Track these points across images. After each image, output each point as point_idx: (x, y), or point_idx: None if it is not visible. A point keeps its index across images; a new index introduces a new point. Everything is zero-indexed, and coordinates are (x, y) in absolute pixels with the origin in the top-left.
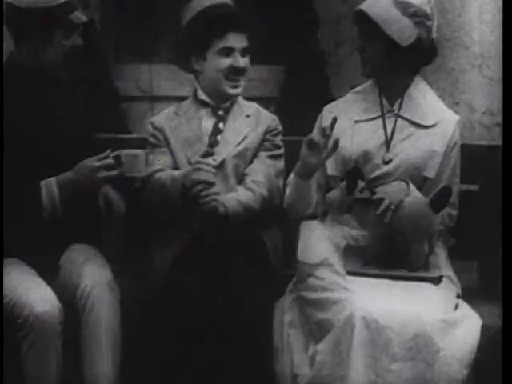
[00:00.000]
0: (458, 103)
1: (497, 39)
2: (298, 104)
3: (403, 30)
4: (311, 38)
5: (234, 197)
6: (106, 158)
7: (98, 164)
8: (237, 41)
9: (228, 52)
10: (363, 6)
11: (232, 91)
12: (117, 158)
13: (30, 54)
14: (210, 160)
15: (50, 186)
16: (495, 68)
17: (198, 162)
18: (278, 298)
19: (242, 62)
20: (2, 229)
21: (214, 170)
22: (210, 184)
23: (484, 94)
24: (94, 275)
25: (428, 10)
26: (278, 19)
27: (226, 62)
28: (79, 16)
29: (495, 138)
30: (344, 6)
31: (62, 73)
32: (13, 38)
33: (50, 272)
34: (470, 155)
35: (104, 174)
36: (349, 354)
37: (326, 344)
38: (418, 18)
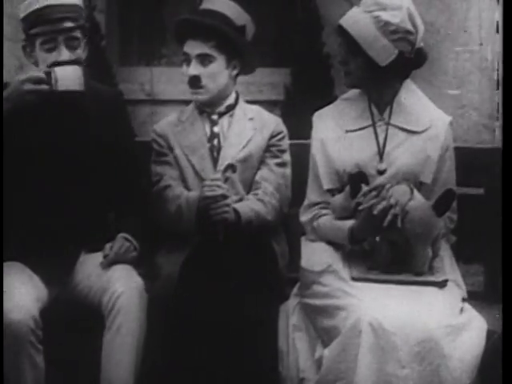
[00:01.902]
0: (463, 106)
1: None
2: (303, 107)
3: (382, 51)
4: (316, 41)
5: (247, 204)
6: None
7: (23, 76)
8: (193, 47)
9: (187, 59)
10: (344, 22)
11: (194, 97)
12: (48, 74)
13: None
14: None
15: None
16: (501, 71)
17: (212, 180)
18: (284, 302)
19: (194, 70)
20: (2, 229)
21: (224, 186)
22: (225, 197)
23: (490, 97)
24: (124, 280)
25: (409, 26)
26: (283, 22)
27: (185, 70)
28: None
29: (501, 141)
30: (349, 9)
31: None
32: None
33: (63, 279)
34: (475, 158)
35: (30, 86)
36: (355, 360)
37: (332, 350)
38: (399, 34)
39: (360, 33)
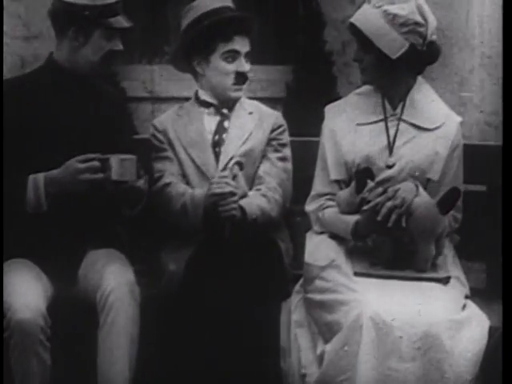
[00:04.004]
0: (465, 104)
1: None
2: (305, 104)
3: (392, 43)
4: (318, 39)
5: (252, 201)
6: (92, 159)
7: (81, 166)
8: (242, 45)
9: (233, 56)
10: (354, 20)
11: (235, 94)
12: (105, 161)
13: (69, 52)
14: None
15: (37, 181)
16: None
17: (220, 177)
18: (286, 299)
19: (247, 66)
20: (2, 229)
21: (232, 183)
22: (233, 195)
23: (491, 94)
24: (114, 277)
25: (418, 18)
26: (285, 20)
27: (231, 66)
28: (121, 21)
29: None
30: (351, 7)
31: (98, 75)
32: (56, 34)
33: (69, 276)
34: (477, 155)
35: (87, 176)
36: (357, 355)
37: (334, 345)
38: (408, 26)
39: (370, 28)
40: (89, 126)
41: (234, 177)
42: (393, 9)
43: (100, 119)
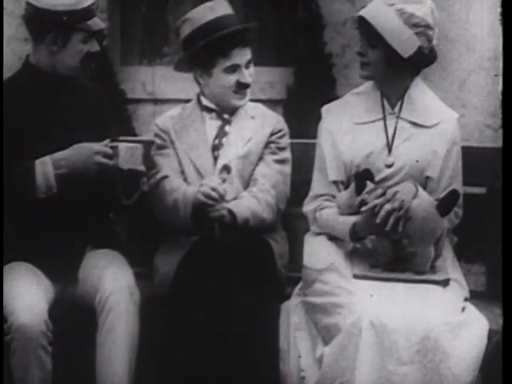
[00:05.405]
0: (465, 105)
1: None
2: (305, 106)
3: (406, 42)
4: (318, 41)
5: (242, 203)
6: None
7: (96, 148)
8: (241, 56)
9: (234, 69)
10: (366, 14)
11: (239, 103)
12: (114, 148)
13: (47, 57)
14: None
15: (45, 165)
16: (501, 69)
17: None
18: (284, 301)
19: (248, 75)
20: (3, 229)
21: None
22: (222, 198)
23: (491, 96)
24: (113, 279)
25: (430, 20)
26: (285, 22)
27: (232, 78)
28: (98, 22)
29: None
30: (351, 9)
31: (78, 77)
32: (32, 38)
33: (69, 277)
34: (476, 157)
35: (100, 159)
36: (356, 358)
37: (333, 348)
38: (420, 28)
39: (383, 24)
40: (72, 124)
41: (224, 180)
42: (409, 8)
43: (82, 116)
